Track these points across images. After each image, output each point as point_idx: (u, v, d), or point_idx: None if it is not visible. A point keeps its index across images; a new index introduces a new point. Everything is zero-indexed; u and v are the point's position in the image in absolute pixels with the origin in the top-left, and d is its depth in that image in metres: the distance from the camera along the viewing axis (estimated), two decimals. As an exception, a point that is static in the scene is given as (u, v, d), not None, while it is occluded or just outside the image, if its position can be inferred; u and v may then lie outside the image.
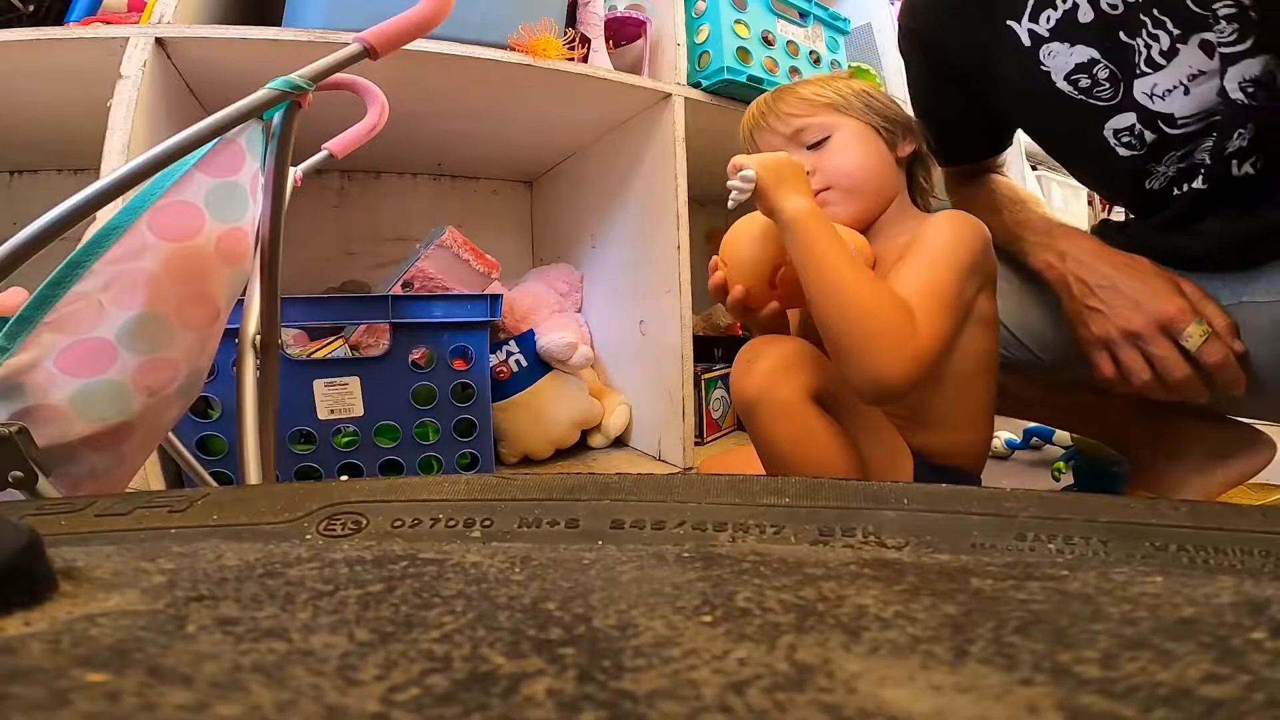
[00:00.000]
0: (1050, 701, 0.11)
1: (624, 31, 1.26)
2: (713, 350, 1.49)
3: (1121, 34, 0.68)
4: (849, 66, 1.43)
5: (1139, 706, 0.10)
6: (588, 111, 1.25)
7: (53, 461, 0.42)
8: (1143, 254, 0.71)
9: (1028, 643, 0.13)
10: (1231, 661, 0.12)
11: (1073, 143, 0.78)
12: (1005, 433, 1.36)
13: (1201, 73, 0.65)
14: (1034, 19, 0.72)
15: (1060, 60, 0.72)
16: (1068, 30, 0.71)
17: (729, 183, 0.65)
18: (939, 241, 0.66)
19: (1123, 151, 0.72)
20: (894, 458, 0.71)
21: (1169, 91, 0.67)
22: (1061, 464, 1.15)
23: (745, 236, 0.70)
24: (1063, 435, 1.30)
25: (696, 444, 1.30)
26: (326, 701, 0.10)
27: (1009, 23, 0.73)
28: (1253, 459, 0.79)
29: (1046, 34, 0.72)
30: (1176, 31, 0.65)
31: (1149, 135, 0.69)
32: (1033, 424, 1.38)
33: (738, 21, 1.19)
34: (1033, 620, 0.14)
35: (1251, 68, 0.61)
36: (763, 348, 0.66)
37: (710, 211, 2.01)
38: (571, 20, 1.18)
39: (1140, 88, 0.69)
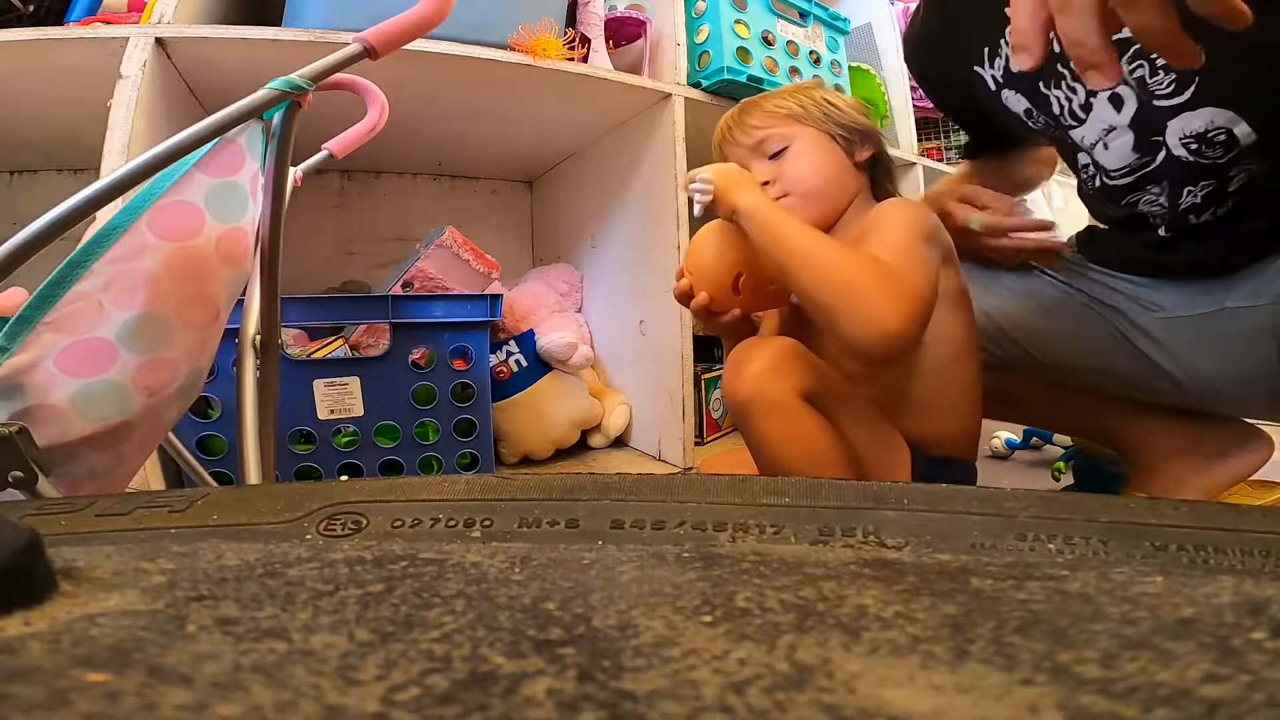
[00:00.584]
0: (1050, 701, 0.11)
1: (624, 31, 1.26)
2: (713, 350, 1.50)
3: (1040, 85, 0.68)
4: (849, 67, 1.43)
5: (1139, 706, 0.10)
6: (588, 111, 1.25)
7: (53, 461, 0.42)
8: (1125, 262, 0.72)
9: (1028, 643, 0.13)
10: (1231, 661, 0.12)
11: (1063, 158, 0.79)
12: (1005, 433, 1.36)
13: (1113, 128, 0.64)
14: (991, 64, 0.73)
15: (1016, 106, 0.73)
16: (1009, 78, 0.71)
17: (689, 187, 0.69)
18: (889, 215, 0.69)
19: (1088, 185, 0.72)
20: (890, 453, 0.71)
21: (1094, 145, 0.66)
22: (1061, 464, 1.15)
23: (708, 243, 0.73)
24: (1062, 435, 1.30)
25: (696, 444, 1.30)
26: (326, 701, 0.10)
27: (975, 69, 0.75)
28: (1251, 456, 0.79)
29: (1002, 79, 0.73)
30: (1088, 85, 0.65)
31: (1098, 180, 0.69)
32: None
33: (738, 21, 1.19)
34: (1033, 620, 0.14)
35: (1192, 122, 0.58)
36: (753, 349, 0.67)
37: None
38: (571, 20, 1.18)
39: (1075, 137, 0.69)
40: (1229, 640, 0.13)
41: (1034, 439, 1.36)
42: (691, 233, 1.17)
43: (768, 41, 1.24)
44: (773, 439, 0.65)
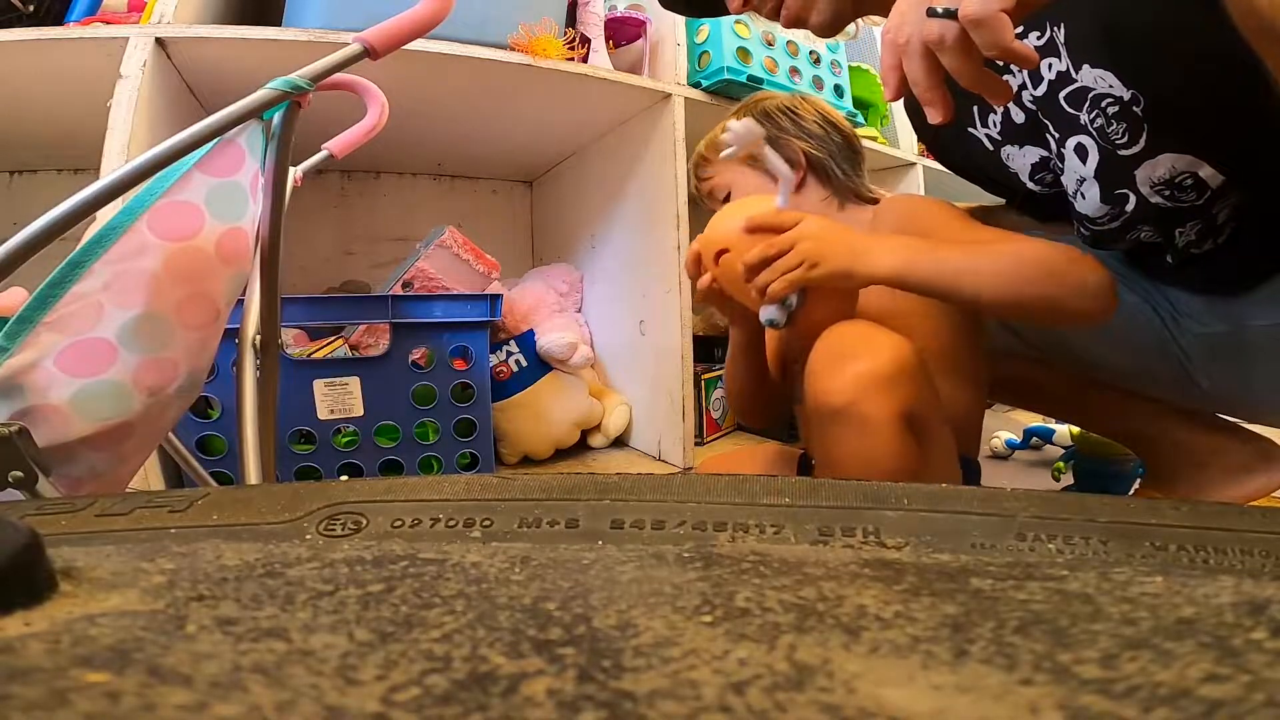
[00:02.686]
0: (1050, 701, 0.11)
1: (624, 31, 1.26)
2: (713, 350, 1.49)
3: (1043, 133, 0.67)
4: (849, 67, 1.43)
5: (1139, 706, 0.10)
6: (588, 111, 1.25)
7: (53, 461, 0.42)
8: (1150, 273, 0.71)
9: (1028, 643, 0.13)
10: (1231, 661, 0.12)
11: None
12: (1005, 433, 1.36)
13: (1083, 179, 0.63)
14: (985, 124, 0.73)
15: (1019, 162, 0.72)
16: (1011, 133, 0.71)
17: (766, 314, 0.61)
18: (930, 208, 0.68)
19: (1085, 234, 0.71)
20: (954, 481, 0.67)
21: (1074, 195, 0.66)
22: (1061, 464, 1.15)
23: (723, 218, 0.69)
24: (1063, 435, 1.30)
25: (696, 444, 1.30)
26: (326, 701, 0.10)
27: (969, 130, 0.74)
28: (1275, 474, 0.78)
29: (999, 137, 0.72)
30: (1057, 135, 0.64)
31: (1085, 229, 0.68)
32: (1034, 424, 1.38)
33: (738, 22, 1.19)
34: (1033, 620, 0.14)
35: (1156, 169, 0.58)
36: (857, 343, 0.56)
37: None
38: (571, 20, 1.18)
39: (1064, 185, 0.68)
40: (1229, 640, 0.13)
41: (1034, 439, 1.36)
42: (692, 234, 1.17)
43: (768, 42, 1.24)
44: (849, 458, 0.55)
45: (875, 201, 0.80)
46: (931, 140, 0.88)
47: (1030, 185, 0.72)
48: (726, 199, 0.79)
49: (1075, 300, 0.56)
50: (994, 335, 0.77)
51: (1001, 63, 0.44)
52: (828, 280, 0.58)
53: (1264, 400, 0.70)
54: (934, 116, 0.48)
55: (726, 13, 0.72)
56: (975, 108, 0.73)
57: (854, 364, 0.54)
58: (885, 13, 0.49)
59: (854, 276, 0.58)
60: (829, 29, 0.66)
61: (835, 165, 0.79)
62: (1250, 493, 0.78)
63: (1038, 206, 0.75)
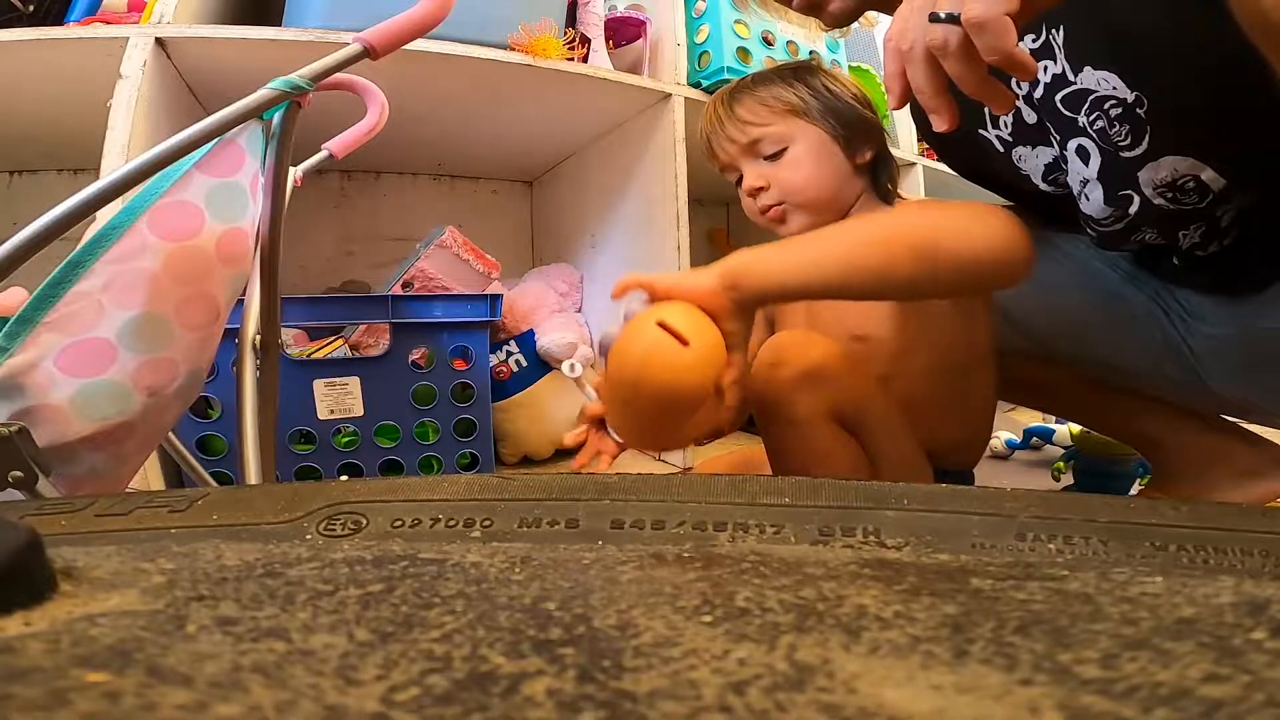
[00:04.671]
0: (1050, 701, 0.11)
1: (624, 31, 1.26)
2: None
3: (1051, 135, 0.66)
4: (849, 67, 1.43)
5: (1139, 706, 0.10)
6: (588, 111, 1.25)
7: (53, 461, 0.42)
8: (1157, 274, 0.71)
9: (1028, 643, 0.13)
10: (1231, 661, 0.12)
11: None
12: (1005, 433, 1.35)
13: (1086, 180, 0.63)
14: (995, 125, 0.72)
15: (1032, 163, 0.71)
16: (1023, 134, 0.70)
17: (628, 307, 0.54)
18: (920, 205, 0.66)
19: (1092, 234, 0.70)
20: (914, 477, 0.68)
21: (1079, 195, 0.65)
22: (1061, 464, 1.15)
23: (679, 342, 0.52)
24: (1063, 435, 1.30)
25: (696, 444, 1.30)
26: (326, 701, 0.10)
27: (980, 132, 0.73)
28: None
29: (1010, 139, 0.71)
30: (1058, 137, 0.64)
31: (1093, 230, 0.68)
32: (1034, 424, 1.38)
33: (738, 21, 1.19)
34: (1033, 620, 0.14)
35: (1159, 171, 0.58)
36: (789, 350, 0.61)
37: (710, 211, 2.01)
38: (571, 20, 1.18)
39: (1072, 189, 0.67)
40: (1229, 640, 0.13)
41: (1034, 439, 1.36)
42: (692, 234, 1.17)
43: (768, 42, 1.24)
44: (789, 453, 0.61)
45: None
46: (939, 144, 0.87)
47: (1043, 186, 0.71)
48: (774, 156, 0.70)
49: (953, 274, 0.52)
50: (1000, 334, 0.76)
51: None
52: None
53: (1272, 403, 0.69)
54: (939, 124, 0.47)
55: None
56: (985, 110, 0.72)
57: (782, 369, 0.59)
58: (888, 9, 0.49)
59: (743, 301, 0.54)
60: (846, 19, 0.64)
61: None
62: (1256, 497, 0.78)
63: (1050, 207, 0.74)
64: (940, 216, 0.55)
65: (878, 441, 0.64)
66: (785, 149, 0.70)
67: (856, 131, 0.72)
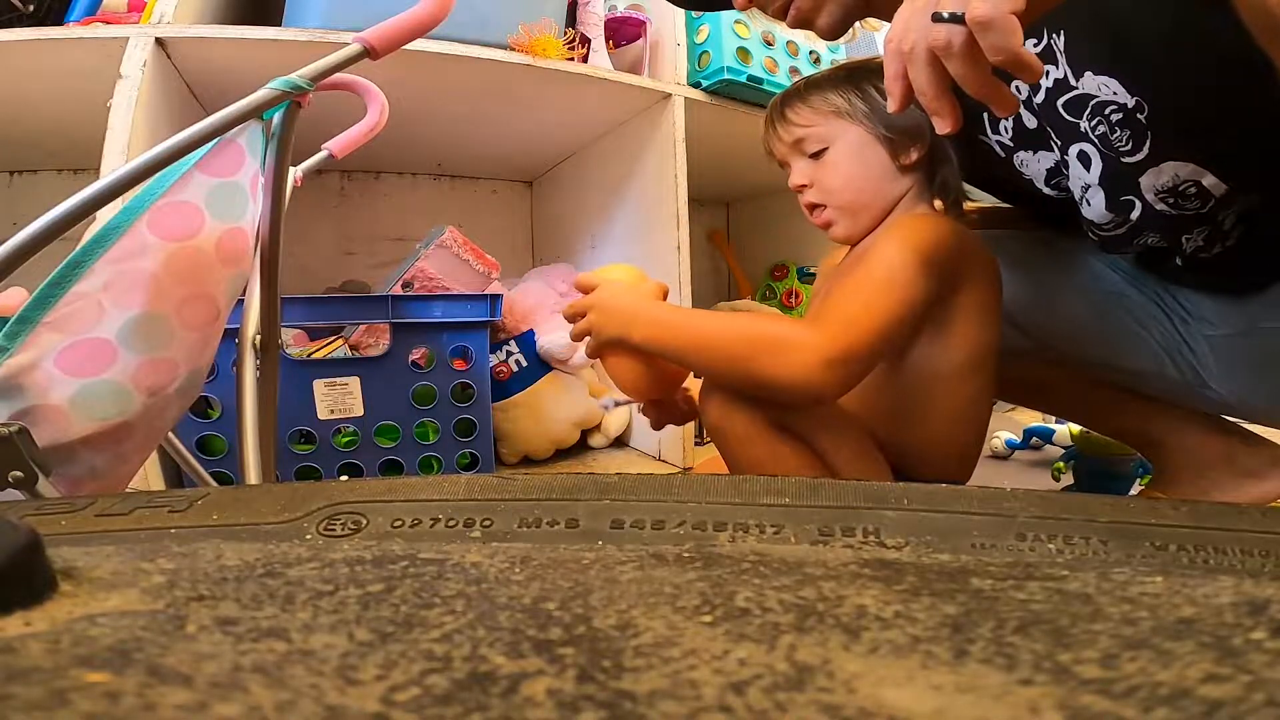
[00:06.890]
0: (1050, 701, 0.11)
1: (624, 31, 1.26)
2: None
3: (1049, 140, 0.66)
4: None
5: (1139, 706, 0.10)
6: (588, 111, 1.25)
7: (53, 461, 0.42)
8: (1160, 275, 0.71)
9: (1028, 643, 0.13)
10: (1231, 661, 0.12)
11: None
12: (1005, 433, 1.35)
13: (1088, 185, 0.62)
14: (996, 130, 0.71)
15: (1034, 168, 0.70)
16: (1023, 139, 0.69)
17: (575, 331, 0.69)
18: (883, 242, 0.65)
19: (1095, 238, 0.70)
20: (870, 472, 0.69)
21: (1080, 200, 0.65)
22: (1061, 464, 1.15)
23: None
24: (1063, 435, 1.30)
25: (696, 444, 1.30)
26: (326, 701, 0.10)
27: (980, 137, 0.73)
28: None
29: (1011, 144, 0.71)
30: (1059, 142, 0.63)
31: (1095, 234, 0.68)
32: (1034, 424, 1.38)
33: (738, 21, 1.19)
34: (1033, 620, 0.14)
35: (1160, 177, 0.57)
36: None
37: (710, 211, 2.01)
38: (571, 20, 1.19)
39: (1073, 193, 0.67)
40: (1229, 640, 0.13)
41: (1034, 439, 1.36)
42: (692, 234, 1.17)
43: (768, 42, 1.24)
44: (744, 464, 0.65)
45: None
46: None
47: (1046, 190, 0.71)
48: (818, 154, 0.73)
49: (768, 387, 0.59)
50: (1002, 335, 0.76)
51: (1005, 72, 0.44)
52: (608, 346, 0.67)
53: (1275, 404, 0.69)
54: (942, 127, 0.46)
55: (731, 8, 0.71)
56: (985, 115, 0.71)
57: (715, 394, 0.64)
58: (889, 16, 0.48)
59: (627, 342, 0.65)
60: (836, 31, 0.65)
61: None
62: (1256, 497, 0.78)
63: (1054, 210, 0.74)
64: (765, 335, 0.59)
65: (827, 435, 0.67)
66: (826, 148, 0.73)
67: (901, 131, 0.72)
